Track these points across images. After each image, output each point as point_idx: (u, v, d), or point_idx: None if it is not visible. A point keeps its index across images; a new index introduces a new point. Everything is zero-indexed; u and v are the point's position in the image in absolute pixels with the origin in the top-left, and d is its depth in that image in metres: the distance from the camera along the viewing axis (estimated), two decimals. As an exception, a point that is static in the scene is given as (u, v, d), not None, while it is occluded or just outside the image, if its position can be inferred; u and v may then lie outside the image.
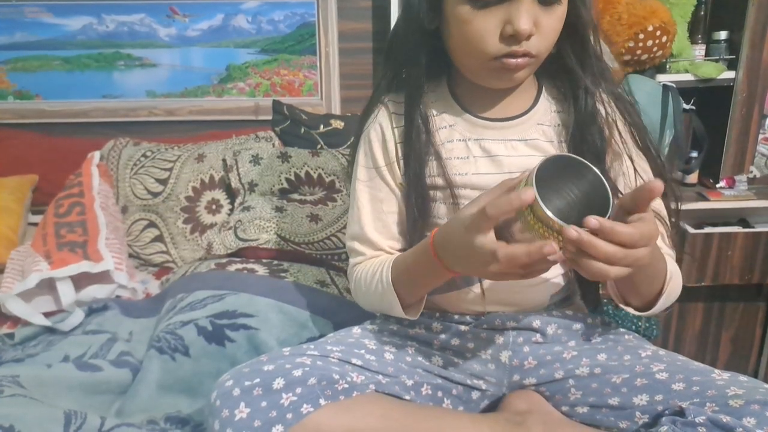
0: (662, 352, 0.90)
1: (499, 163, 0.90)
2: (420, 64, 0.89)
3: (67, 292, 1.32)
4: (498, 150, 0.90)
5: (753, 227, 1.80)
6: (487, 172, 0.90)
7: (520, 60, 0.80)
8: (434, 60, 0.90)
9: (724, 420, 0.70)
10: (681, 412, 0.76)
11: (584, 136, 0.88)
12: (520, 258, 0.65)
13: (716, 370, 0.82)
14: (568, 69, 0.88)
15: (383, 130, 0.94)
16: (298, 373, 0.77)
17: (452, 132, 0.91)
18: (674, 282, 0.85)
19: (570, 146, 0.90)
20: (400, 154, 0.92)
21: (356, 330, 0.97)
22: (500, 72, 0.82)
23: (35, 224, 1.61)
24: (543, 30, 0.79)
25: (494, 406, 0.94)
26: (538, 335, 0.93)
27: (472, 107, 0.92)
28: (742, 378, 0.80)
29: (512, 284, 0.90)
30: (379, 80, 0.97)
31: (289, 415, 0.73)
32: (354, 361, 0.83)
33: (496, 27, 0.78)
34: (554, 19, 0.80)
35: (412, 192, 0.90)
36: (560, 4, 0.79)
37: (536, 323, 0.93)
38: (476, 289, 0.91)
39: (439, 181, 0.90)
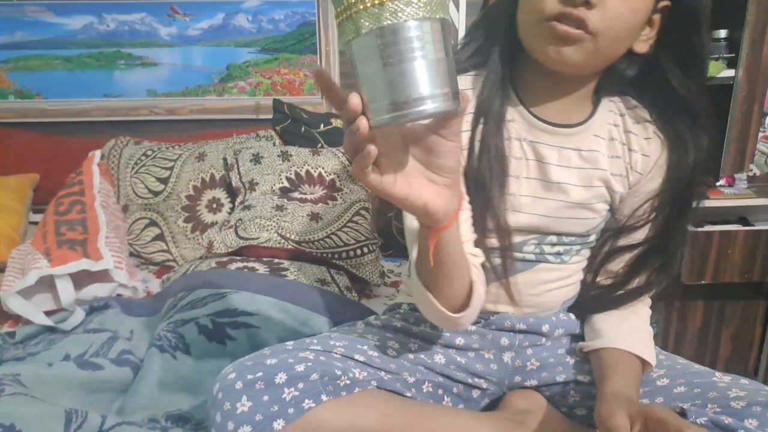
0: (662, 356, 0.90)
1: (546, 170, 0.85)
2: (509, 38, 0.82)
3: (66, 290, 1.32)
4: (551, 157, 0.85)
5: (753, 225, 1.80)
6: (535, 177, 0.86)
7: (571, 29, 0.73)
8: (510, 47, 0.84)
9: (726, 421, 0.71)
10: (682, 413, 0.76)
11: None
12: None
13: (717, 373, 0.82)
14: (669, 92, 0.82)
15: None
16: (300, 368, 0.77)
17: (510, 128, 0.86)
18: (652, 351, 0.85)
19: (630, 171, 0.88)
20: (464, 142, 0.84)
21: (360, 325, 0.97)
22: (549, 39, 0.75)
23: (36, 223, 1.61)
24: (607, 7, 0.72)
25: (495, 404, 0.94)
26: (543, 339, 0.93)
27: (532, 107, 0.86)
28: (744, 381, 0.80)
29: (532, 285, 0.89)
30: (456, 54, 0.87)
31: (290, 410, 0.73)
32: (357, 357, 0.83)
33: None
34: (625, 7, 0.73)
35: (485, 159, 0.82)
36: None
37: (545, 327, 0.92)
38: (493, 288, 0.88)
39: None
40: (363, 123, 0.50)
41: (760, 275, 1.77)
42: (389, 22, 0.45)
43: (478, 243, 0.81)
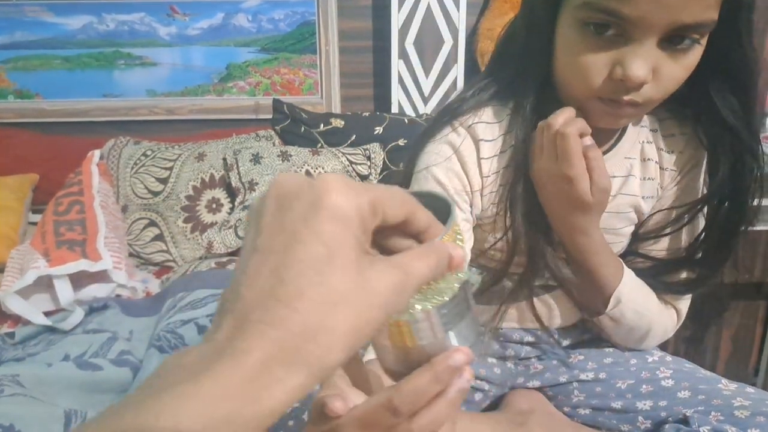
0: (669, 358, 0.89)
1: None
2: (542, 72, 0.73)
3: (64, 291, 1.32)
4: None
5: (753, 225, 1.79)
6: None
7: (626, 109, 0.67)
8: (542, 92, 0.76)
9: (729, 431, 0.70)
10: (685, 421, 0.75)
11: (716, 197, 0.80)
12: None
13: (723, 380, 0.81)
14: (719, 120, 0.75)
15: (465, 166, 0.79)
16: None
17: None
18: (632, 313, 0.81)
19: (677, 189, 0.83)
20: (484, 184, 0.79)
21: None
22: (601, 114, 0.70)
23: (36, 223, 1.61)
24: (661, 78, 0.65)
25: (495, 404, 0.94)
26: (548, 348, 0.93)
27: None
28: (750, 389, 0.79)
29: (550, 309, 0.87)
30: (474, 90, 0.79)
31: (290, 423, 0.73)
32: None
33: (605, 65, 0.65)
34: (679, 68, 0.65)
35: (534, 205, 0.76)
36: (691, 51, 0.65)
37: (552, 338, 0.92)
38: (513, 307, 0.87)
39: None
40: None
41: (761, 275, 1.77)
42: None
43: (504, 266, 0.78)
